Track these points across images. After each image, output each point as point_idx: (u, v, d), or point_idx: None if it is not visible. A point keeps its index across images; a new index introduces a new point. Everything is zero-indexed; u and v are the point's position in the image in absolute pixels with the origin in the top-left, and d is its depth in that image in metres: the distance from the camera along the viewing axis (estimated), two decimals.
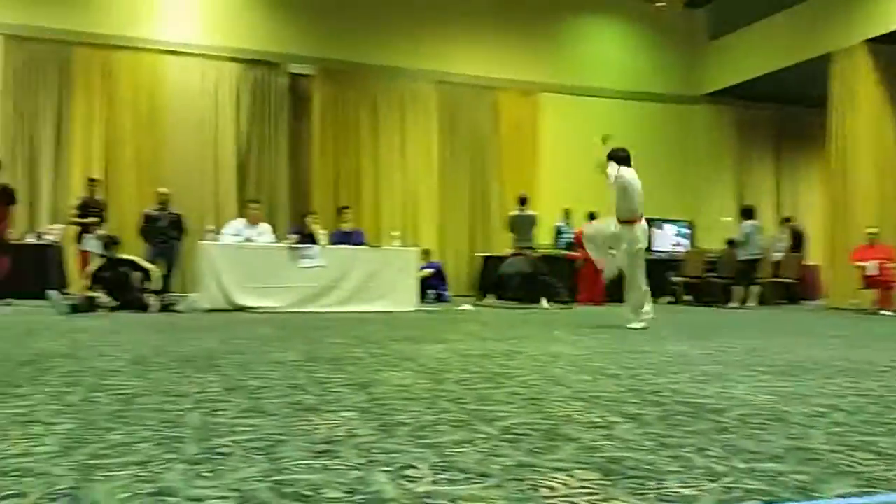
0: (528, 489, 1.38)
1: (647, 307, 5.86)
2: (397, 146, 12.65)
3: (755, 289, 10.70)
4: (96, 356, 3.40)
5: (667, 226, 13.59)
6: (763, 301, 10.92)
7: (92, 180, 9.48)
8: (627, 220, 6.00)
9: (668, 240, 13.49)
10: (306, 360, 3.39)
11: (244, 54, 11.77)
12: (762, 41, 13.14)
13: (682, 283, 11.55)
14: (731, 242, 11.19)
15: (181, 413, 2.08)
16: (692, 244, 13.37)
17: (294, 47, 12.03)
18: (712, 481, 1.46)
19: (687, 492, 1.38)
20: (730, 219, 11.51)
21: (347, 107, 12.38)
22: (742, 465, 1.58)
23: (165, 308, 7.25)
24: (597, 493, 1.37)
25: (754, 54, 13.27)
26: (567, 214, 11.60)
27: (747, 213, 10.97)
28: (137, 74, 11.24)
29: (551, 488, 1.39)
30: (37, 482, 1.38)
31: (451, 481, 1.43)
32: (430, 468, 1.51)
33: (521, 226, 10.00)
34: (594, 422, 2.03)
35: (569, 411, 2.18)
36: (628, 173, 5.97)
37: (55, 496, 1.29)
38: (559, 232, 11.46)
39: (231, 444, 1.71)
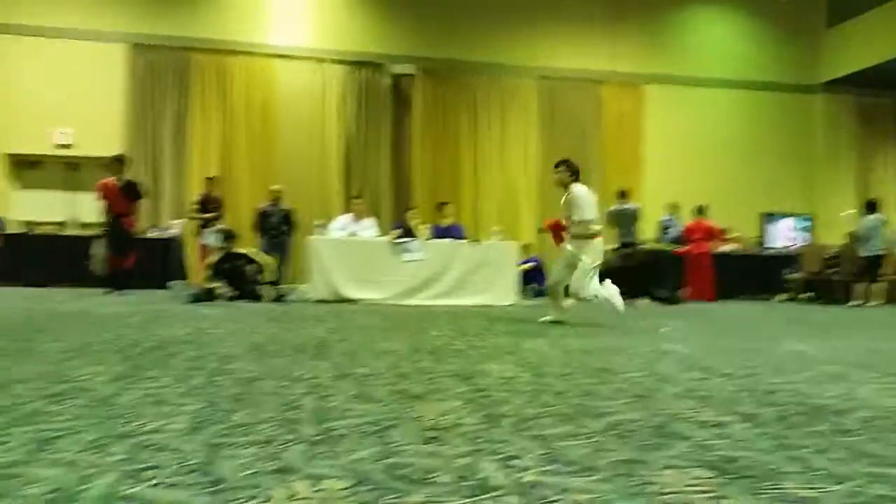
0: (639, 484, 1.37)
1: (569, 303, 5.62)
2: (497, 142, 12.66)
3: (879, 286, 10.00)
4: (217, 343, 3.61)
5: (784, 220, 12.93)
6: (889, 299, 10.18)
7: (210, 178, 10.04)
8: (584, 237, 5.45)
9: (784, 235, 12.82)
10: (410, 350, 3.47)
11: (350, 56, 12.12)
12: (884, 26, 12.25)
13: (799, 279, 10.95)
14: (852, 237, 10.51)
15: (296, 397, 2.19)
16: (811, 239, 12.64)
17: (396, 48, 12.27)
18: (834, 484, 1.39)
19: (806, 493, 1.33)
20: (852, 212, 10.79)
21: (447, 104, 12.51)
22: (866, 469, 1.50)
23: (277, 299, 7.59)
24: (711, 491, 1.34)
25: (875, 40, 12.39)
26: (673, 208, 11.24)
27: (871, 206, 10.26)
28: (250, 78, 11.79)
29: (663, 485, 1.37)
30: (171, 457, 1.49)
31: (558, 473, 1.43)
32: (537, 459, 1.52)
33: (623, 220, 9.78)
34: (706, 420, 1.98)
35: (678, 409, 2.13)
36: (580, 189, 5.48)
37: (187, 470, 1.40)
38: (665, 227, 11.14)
39: (344, 427, 1.79)
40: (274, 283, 8.06)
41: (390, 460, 1.49)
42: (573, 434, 1.77)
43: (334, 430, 1.76)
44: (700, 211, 10.50)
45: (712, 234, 10.52)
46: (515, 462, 1.50)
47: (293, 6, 12.13)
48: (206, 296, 7.32)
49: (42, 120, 10.97)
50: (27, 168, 11.42)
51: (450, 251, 8.20)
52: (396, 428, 1.79)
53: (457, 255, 8.17)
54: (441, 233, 8.77)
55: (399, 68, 12.31)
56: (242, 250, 8.14)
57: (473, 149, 12.56)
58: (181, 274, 9.89)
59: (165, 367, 2.77)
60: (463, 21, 12.52)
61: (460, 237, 8.71)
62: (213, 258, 8.00)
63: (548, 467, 1.47)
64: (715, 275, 10.23)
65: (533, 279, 10.42)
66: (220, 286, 7.53)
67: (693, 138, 13.14)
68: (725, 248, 11.27)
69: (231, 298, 7.46)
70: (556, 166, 5.63)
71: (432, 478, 1.38)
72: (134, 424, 1.78)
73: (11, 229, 10.35)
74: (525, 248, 10.87)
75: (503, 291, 8.10)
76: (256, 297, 7.52)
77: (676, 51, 13.34)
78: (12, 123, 10.88)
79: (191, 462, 1.45)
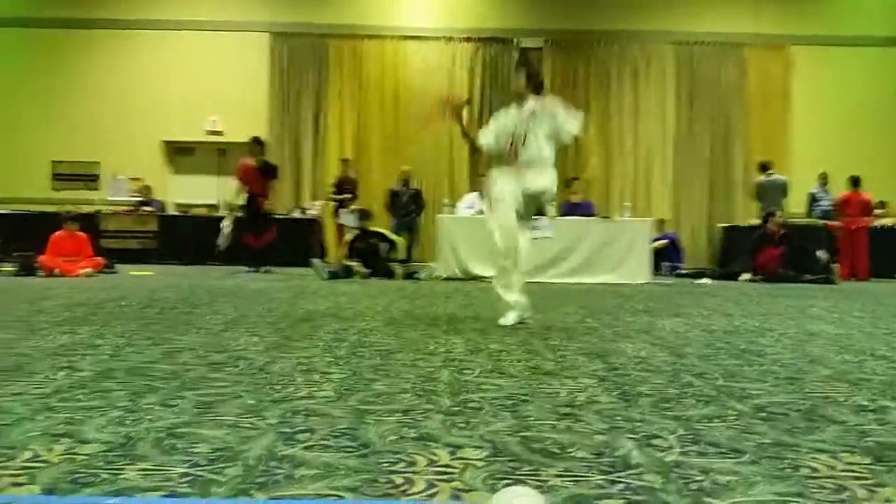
0: (787, 468, 1.31)
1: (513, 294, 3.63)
2: (629, 113, 12.25)
3: None
4: (356, 317, 3.79)
5: None
6: None
7: (345, 160, 10.44)
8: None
9: None
10: (541, 327, 3.47)
11: (477, 33, 12.13)
12: None
13: None
14: None
15: (433, 369, 2.26)
16: None
17: (524, 21, 12.14)
18: None
19: None
20: None
21: (577, 76, 12.24)
22: None
23: (408, 276, 7.81)
24: (867, 478, 1.26)
25: None
26: (824, 179, 10.43)
27: None
28: (383, 60, 12.11)
29: (814, 469, 1.30)
30: (321, 421, 1.59)
31: (702, 454, 1.39)
32: (678, 439, 1.49)
33: (769, 193, 9.23)
34: (861, 405, 1.85)
35: (830, 392, 2.01)
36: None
37: (337, 434, 1.49)
38: (814, 199, 10.37)
39: (479, 400, 1.83)
40: (404, 261, 8.30)
41: (526, 433, 1.51)
42: (717, 416, 1.71)
43: (470, 402, 1.80)
44: (855, 182, 9.66)
45: (868, 208, 9.67)
46: (656, 441, 1.47)
47: None
48: (344, 273, 7.66)
49: (194, 109, 11.83)
50: (181, 154, 12.40)
51: (579, 228, 8.07)
52: (530, 403, 1.81)
53: (586, 232, 8.03)
54: (570, 209, 8.65)
55: (527, 42, 12.18)
56: (376, 229, 8.43)
57: (605, 122, 12.24)
58: (320, 252, 10.39)
59: (312, 338, 2.94)
60: None
61: (590, 214, 8.55)
62: (349, 237, 8.34)
63: (690, 448, 1.43)
64: (870, 251, 9.42)
65: (668, 257, 10.07)
66: (355, 264, 7.85)
67: (846, 103, 12.07)
68: (882, 222, 10.34)
69: (365, 275, 7.75)
70: (516, 69, 3.96)
71: (569, 452, 1.38)
72: (287, 390, 1.91)
73: (169, 212, 11.30)
74: (660, 224, 10.51)
75: (636, 269, 7.88)
76: (389, 275, 7.77)
77: (826, 6, 12.28)
78: (167, 113, 11.82)
79: (340, 427, 1.54)
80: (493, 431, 1.52)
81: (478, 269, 7.88)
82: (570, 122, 3.76)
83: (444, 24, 12.17)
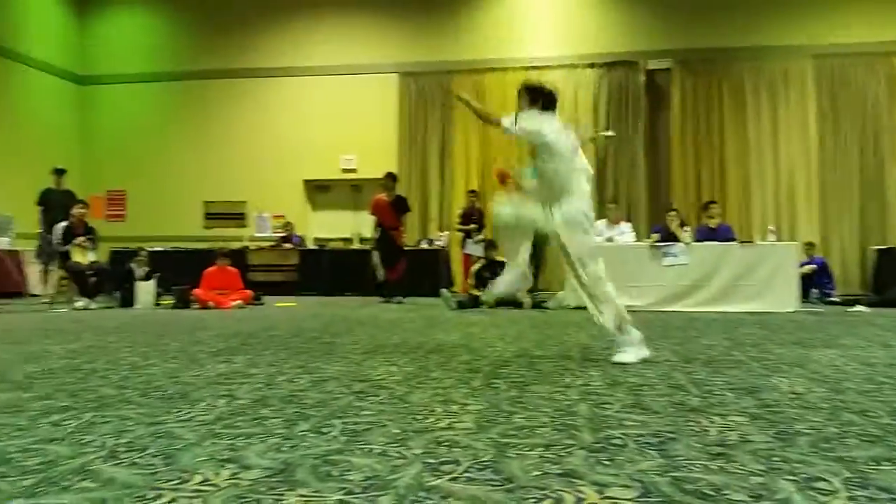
0: None
1: (629, 334, 3.32)
2: (768, 132, 11.62)
3: None
4: (487, 347, 3.81)
5: None
6: None
7: (471, 192, 10.60)
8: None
9: None
10: (681, 360, 3.34)
11: (602, 59, 12.00)
12: None
13: None
14: None
15: (571, 403, 2.23)
16: None
17: (650, 43, 11.89)
18: None
19: None
20: None
21: (709, 96, 11.80)
22: None
23: (536, 305, 7.76)
24: None
25: None
26: None
27: None
28: (505, 91, 12.20)
29: None
30: (464, 453, 1.62)
31: (872, 500, 1.29)
32: (843, 483, 1.39)
33: None
34: None
35: None
36: (550, 123, 3.71)
37: (481, 467, 1.50)
38: None
39: (622, 436, 1.79)
40: (532, 291, 8.24)
41: (676, 473, 1.46)
42: (885, 458, 1.58)
43: (613, 438, 1.77)
44: None
45: None
46: (819, 484, 1.38)
47: (543, 17, 12.36)
48: (472, 303, 7.73)
49: (330, 148, 12.48)
50: (319, 191, 13.10)
51: (718, 254, 7.71)
52: (678, 441, 1.75)
53: (726, 258, 7.65)
54: (707, 235, 8.29)
55: (654, 64, 11.92)
56: (503, 258, 8.45)
57: (740, 142, 11.68)
58: (448, 282, 10.55)
59: (447, 368, 2.99)
60: (721, 4, 11.73)
61: (729, 238, 8.15)
62: (476, 267, 8.42)
63: (858, 492, 1.33)
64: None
65: (818, 283, 9.40)
66: (483, 293, 7.90)
67: None
68: None
69: (493, 305, 7.77)
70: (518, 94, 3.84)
71: (725, 494, 1.32)
72: (428, 421, 1.96)
73: (308, 246, 11.91)
74: (808, 247, 9.84)
75: (782, 297, 7.39)
76: (517, 304, 7.76)
77: None
78: (307, 153, 12.54)
79: (483, 459, 1.56)
80: (641, 471, 1.48)
81: None
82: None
83: (566, 52, 12.14)
